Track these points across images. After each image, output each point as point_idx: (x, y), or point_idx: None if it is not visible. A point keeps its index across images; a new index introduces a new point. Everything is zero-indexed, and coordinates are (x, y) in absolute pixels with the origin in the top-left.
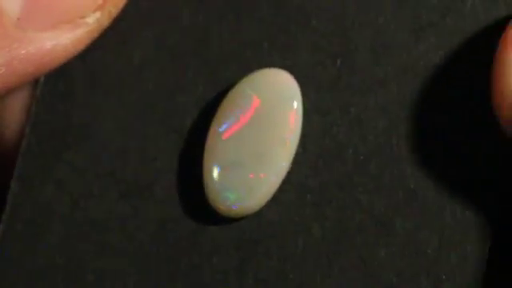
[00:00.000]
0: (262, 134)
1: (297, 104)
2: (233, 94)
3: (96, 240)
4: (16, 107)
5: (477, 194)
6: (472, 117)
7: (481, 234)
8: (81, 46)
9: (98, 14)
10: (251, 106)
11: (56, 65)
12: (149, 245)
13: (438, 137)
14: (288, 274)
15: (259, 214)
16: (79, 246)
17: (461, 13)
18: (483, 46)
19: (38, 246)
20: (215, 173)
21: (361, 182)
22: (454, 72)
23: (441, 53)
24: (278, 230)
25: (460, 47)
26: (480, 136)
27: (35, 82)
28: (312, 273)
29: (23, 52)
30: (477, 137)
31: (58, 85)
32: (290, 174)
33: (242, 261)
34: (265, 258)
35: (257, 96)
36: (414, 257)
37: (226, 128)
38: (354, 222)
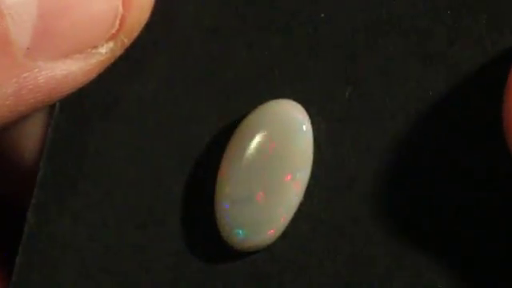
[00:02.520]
0: (272, 167)
1: (307, 135)
2: (243, 128)
3: (112, 272)
4: (33, 132)
5: (486, 232)
6: (483, 145)
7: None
8: (93, 75)
9: (111, 44)
10: (261, 142)
11: (67, 93)
12: (164, 277)
13: (451, 169)
14: None
15: (272, 248)
16: (95, 278)
17: (468, 41)
18: (491, 74)
19: (54, 278)
20: (226, 208)
21: (373, 216)
22: (464, 101)
23: (450, 82)
24: (290, 264)
25: (469, 77)
26: (491, 167)
27: (51, 107)
28: None
29: (32, 82)
30: (488, 167)
31: (73, 113)
32: (301, 206)
33: None
34: None
35: (266, 130)
36: None
37: (238, 164)
38: (366, 258)
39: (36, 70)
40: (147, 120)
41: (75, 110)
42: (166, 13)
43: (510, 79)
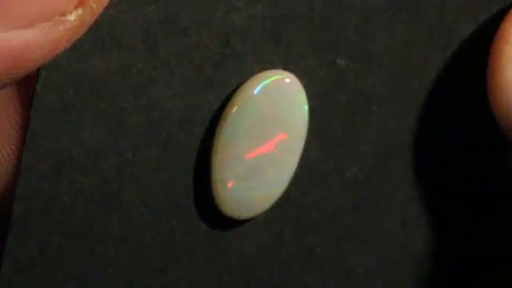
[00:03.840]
0: (268, 141)
1: (304, 112)
2: (236, 100)
3: (100, 246)
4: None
5: (476, 196)
6: (478, 128)
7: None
8: (62, 44)
9: (79, 11)
10: (255, 113)
11: (37, 64)
12: (155, 245)
13: (442, 131)
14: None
15: (266, 215)
16: (82, 254)
17: (461, 12)
18: (482, 46)
19: (41, 262)
20: (223, 183)
21: (363, 179)
22: (458, 69)
23: (443, 50)
24: (284, 230)
25: (462, 46)
26: (484, 136)
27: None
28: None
29: None
30: (481, 136)
31: (54, 94)
32: (294, 175)
33: (249, 263)
34: (272, 260)
35: (263, 102)
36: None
37: (239, 143)
38: (358, 219)
39: None
40: (131, 97)
41: (56, 91)
42: None
43: (494, 42)
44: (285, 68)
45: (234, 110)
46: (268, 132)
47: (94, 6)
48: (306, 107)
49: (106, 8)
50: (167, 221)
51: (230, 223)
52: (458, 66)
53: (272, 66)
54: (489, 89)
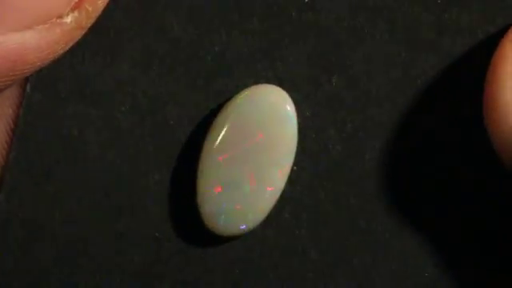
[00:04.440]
0: (256, 153)
1: (291, 121)
2: (226, 113)
3: (89, 257)
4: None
5: (475, 217)
6: (469, 135)
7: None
8: (60, 47)
9: (76, 13)
10: (245, 128)
11: (35, 67)
12: (141, 262)
13: (436, 156)
14: None
15: (254, 234)
16: (71, 263)
17: (458, 30)
18: (480, 62)
19: (29, 264)
20: (209, 193)
21: (357, 202)
22: (451, 90)
23: (438, 71)
24: (272, 251)
25: (457, 65)
26: (478, 156)
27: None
28: None
29: None
30: (473, 154)
31: (46, 96)
32: (284, 192)
33: (236, 281)
34: (259, 278)
35: (250, 115)
36: (413, 280)
37: (221, 150)
38: (350, 243)
39: None
40: (123, 104)
41: (48, 93)
42: None
43: (492, 63)
44: (279, 83)
45: (217, 121)
46: (249, 138)
47: (90, 9)
48: (295, 119)
49: (102, 14)
50: (155, 238)
51: (217, 240)
52: (455, 87)
53: (266, 81)
54: (486, 109)
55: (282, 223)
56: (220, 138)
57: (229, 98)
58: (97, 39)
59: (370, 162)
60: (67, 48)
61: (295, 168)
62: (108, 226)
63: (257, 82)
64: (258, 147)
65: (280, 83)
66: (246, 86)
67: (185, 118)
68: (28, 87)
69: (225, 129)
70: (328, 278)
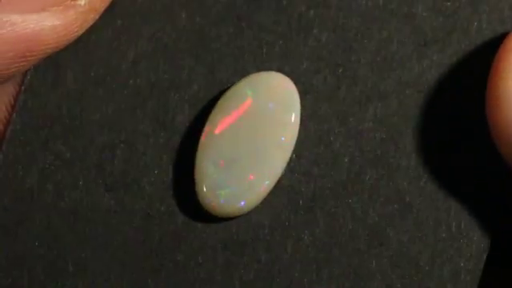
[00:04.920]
0: (258, 135)
1: (296, 109)
2: (229, 94)
3: (79, 231)
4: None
5: (473, 209)
6: (471, 133)
7: (475, 249)
8: (74, 29)
9: None
10: (248, 106)
11: (50, 48)
12: (133, 239)
13: (437, 151)
14: (275, 277)
15: (249, 216)
16: (61, 235)
17: (466, 31)
18: (487, 63)
19: (19, 233)
20: (208, 170)
21: (355, 191)
22: (456, 89)
23: (444, 70)
24: (267, 233)
25: (464, 66)
26: (479, 152)
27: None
28: (299, 278)
29: (8, 34)
30: (475, 153)
31: (48, 74)
32: (283, 178)
33: (228, 261)
34: (252, 260)
35: (255, 97)
36: (406, 269)
37: (221, 125)
38: (345, 231)
39: (8, 22)
40: (126, 85)
41: (49, 72)
42: None
43: (497, 56)
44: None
45: (220, 103)
46: (251, 119)
47: None
48: (298, 102)
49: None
50: (150, 219)
51: (211, 219)
52: (462, 85)
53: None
54: (488, 100)
55: (277, 208)
56: (221, 116)
57: (232, 85)
58: (103, 23)
59: (369, 154)
60: (81, 31)
61: (294, 156)
62: (100, 200)
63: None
64: (260, 129)
65: (284, 74)
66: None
67: (187, 103)
68: (22, 91)
69: (227, 110)
70: (321, 264)
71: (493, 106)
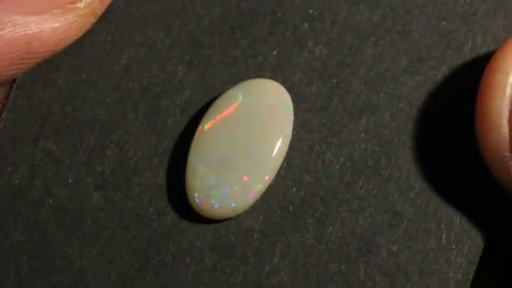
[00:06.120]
0: (250, 139)
1: (289, 115)
2: (223, 98)
3: (66, 228)
4: None
5: (463, 221)
6: (461, 147)
7: (464, 261)
8: (73, 32)
9: None
10: (240, 108)
11: (48, 51)
12: (121, 237)
13: (427, 164)
14: (263, 281)
15: (238, 219)
16: (48, 232)
17: (460, 50)
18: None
19: (6, 228)
20: (199, 170)
21: (346, 199)
22: (448, 105)
23: (436, 86)
24: (256, 237)
25: (456, 83)
26: (469, 165)
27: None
28: (287, 283)
29: (8, 35)
30: (466, 165)
31: (40, 73)
32: (273, 184)
33: (216, 263)
34: (240, 263)
35: (248, 101)
36: (395, 278)
37: (214, 125)
38: (335, 238)
39: (10, 23)
40: (118, 88)
41: (42, 71)
42: None
43: (485, 74)
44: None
45: (213, 107)
46: (243, 124)
47: None
48: (291, 108)
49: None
50: (139, 218)
51: (200, 221)
52: (454, 102)
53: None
54: (477, 118)
55: (267, 212)
56: (214, 118)
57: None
58: (100, 26)
59: (361, 164)
60: (80, 34)
61: (285, 164)
62: (89, 199)
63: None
64: (252, 133)
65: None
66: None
67: (177, 108)
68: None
69: (220, 114)
70: (310, 270)
71: (481, 125)
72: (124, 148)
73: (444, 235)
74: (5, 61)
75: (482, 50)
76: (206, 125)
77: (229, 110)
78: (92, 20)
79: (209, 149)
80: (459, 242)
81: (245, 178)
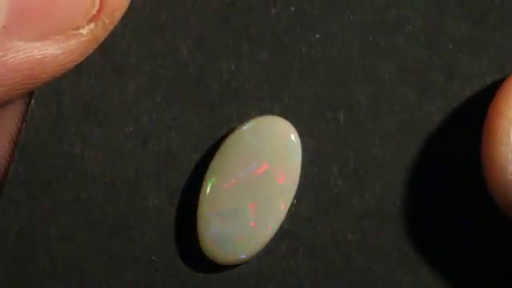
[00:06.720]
0: (259, 183)
1: (297, 155)
2: (231, 142)
3: (82, 275)
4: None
5: (473, 261)
6: (472, 179)
7: None
8: (75, 58)
9: (92, 26)
10: (249, 158)
11: (49, 76)
12: (134, 284)
13: (438, 200)
14: None
15: (250, 264)
16: (62, 279)
17: (468, 77)
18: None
19: (23, 277)
20: (210, 220)
21: (355, 239)
22: (458, 135)
23: (445, 115)
24: (268, 282)
25: (465, 111)
26: (480, 201)
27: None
28: None
29: (10, 61)
30: (476, 201)
31: (49, 112)
32: (283, 224)
33: None
34: None
35: (257, 145)
36: None
37: (225, 178)
38: (345, 279)
39: (12, 49)
40: (126, 125)
41: (52, 109)
42: (153, 17)
43: (487, 118)
44: (284, 116)
45: (222, 149)
46: (253, 168)
47: (107, 21)
48: (300, 150)
49: (112, 34)
50: (151, 262)
51: (214, 267)
52: (462, 130)
53: (271, 113)
54: (484, 164)
55: (278, 255)
56: (224, 166)
57: (233, 128)
58: (104, 59)
59: (370, 200)
60: (81, 60)
61: (295, 201)
62: (103, 245)
63: (262, 114)
64: (261, 177)
65: (285, 116)
66: (251, 116)
67: (188, 145)
68: (33, 102)
69: (229, 157)
70: None
71: (488, 171)
72: (136, 189)
73: (453, 277)
74: (6, 86)
75: (489, 77)
76: (216, 176)
77: (238, 158)
78: (94, 46)
79: (220, 200)
80: (469, 284)
81: (254, 223)
